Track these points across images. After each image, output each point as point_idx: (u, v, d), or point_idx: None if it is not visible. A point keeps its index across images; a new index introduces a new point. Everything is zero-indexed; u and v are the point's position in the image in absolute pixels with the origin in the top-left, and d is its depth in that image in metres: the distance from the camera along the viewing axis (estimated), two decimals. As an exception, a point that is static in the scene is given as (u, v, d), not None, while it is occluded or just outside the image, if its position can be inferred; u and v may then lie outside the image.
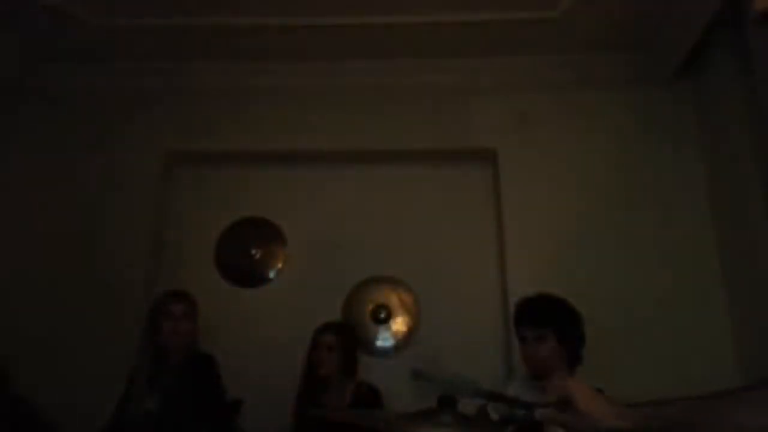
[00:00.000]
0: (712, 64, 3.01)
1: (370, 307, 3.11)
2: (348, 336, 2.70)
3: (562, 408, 0.98)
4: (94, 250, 3.07)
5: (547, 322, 2.14)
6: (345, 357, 2.61)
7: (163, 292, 2.71)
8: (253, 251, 3.24)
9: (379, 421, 1.21)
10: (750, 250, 2.72)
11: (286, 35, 3.09)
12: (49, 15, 2.93)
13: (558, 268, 2.87)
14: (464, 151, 3.28)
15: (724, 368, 2.70)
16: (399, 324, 3.10)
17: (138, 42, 3.17)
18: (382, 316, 3.10)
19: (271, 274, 3.22)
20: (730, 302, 2.84)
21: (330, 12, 2.93)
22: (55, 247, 3.07)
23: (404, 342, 3.08)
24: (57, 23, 2.99)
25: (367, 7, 2.90)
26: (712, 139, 3.05)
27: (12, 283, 2.99)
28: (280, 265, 3.23)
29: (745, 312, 2.75)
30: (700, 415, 0.87)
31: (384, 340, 3.10)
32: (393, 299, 3.12)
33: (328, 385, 2.59)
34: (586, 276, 2.86)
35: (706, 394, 0.89)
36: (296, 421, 2.61)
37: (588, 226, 3.00)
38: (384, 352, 3.08)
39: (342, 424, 1.26)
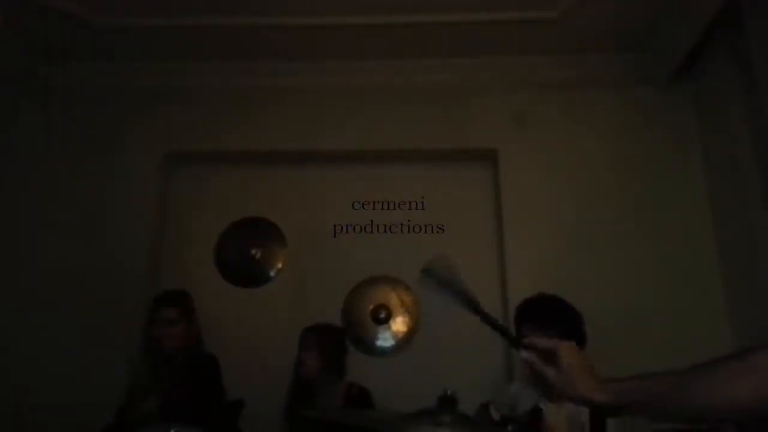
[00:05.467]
0: (712, 64, 3.01)
1: (370, 307, 3.11)
2: (331, 337, 2.66)
3: (546, 359, 0.97)
4: (94, 250, 3.07)
5: (552, 324, 2.14)
6: (328, 358, 2.58)
7: (156, 295, 2.69)
8: (253, 251, 3.24)
9: (378, 421, 1.21)
10: (750, 249, 2.72)
11: (286, 35, 3.09)
12: (50, 15, 2.93)
13: (558, 268, 2.87)
14: (464, 151, 3.28)
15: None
16: (399, 324, 3.10)
17: (138, 42, 3.17)
18: (382, 316, 3.10)
19: (271, 274, 3.22)
20: (730, 302, 2.84)
21: (330, 12, 2.93)
22: (54, 246, 3.07)
23: (404, 342, 3.09)
24: (58, 23, 3.00)
25: (368, 7, 2.90)
26: (712, 139, 3.05)
27: (12, 283, 2.99)
28: (280, 265, 3.23)
29: (745, 312, 2.75)
30: (672, 390, 0.87)
31: (384, 340, 3.10)
32: (393, 299, 3.12)
33: (315, 386, 2.56)
34: (586, 276, 2.86)
35: (680, 370, 0.88)
36: (288, 421, 2.60)
37: (588, 226, 3.00)
38: (384, 352, 3.08)
39: (336, 424, 1.26)
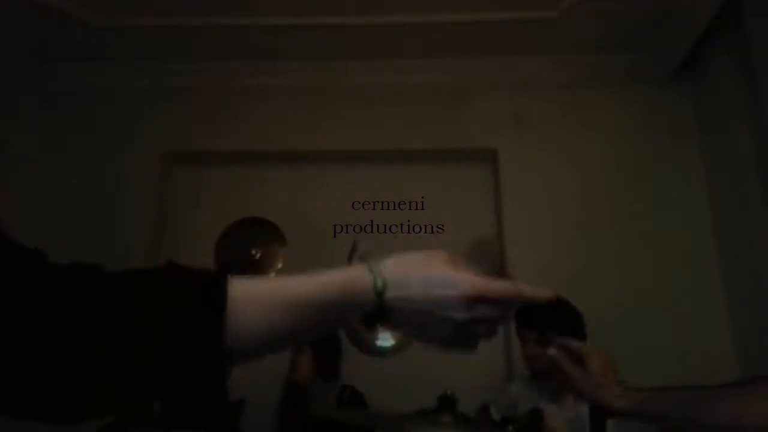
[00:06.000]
0: (712, 64, 3.01)
1: (370, 307, 3.11)
2: (326, 341, 2.62)
3: (574, 361, 1.00)
4: (94, 250, 3.05)
5: (549, 324, 2.14)
6: (322, 362, 2.54)
7: None
8: (253, 251, 3.24)
9: (379, 421, 1.22)
10: (750, 249, 2.72)
11: (285, 35, 3.09)
12: (49, 15, 2.93)
13: (558, 268, 2.87)
14: (464, 151, 3.28)
15: (724, 368, 2.70)
16: (399, 324, 3.10)
17: (138, 42, 3.17)
18: (382, 316, 3.09)
19: (271, 274, 3.22)
20: (730, 302, 2.84)
21: (330, 12, 2.93)
22: (54, 247, 3.06)
23: (404, 342, 3.08)
24: (57, 23, 3.00)
25: (368, 7, 2.90)
26: (712, 139, 3.05)
27: (12, 283, 2.99)
28: (280, 265, 3.23)
29: (745, 311, 2.75)
30: (698, 404, 0.89)
31: (384, 340, 3.09)
32: (393, 299, 3.12)
33: (307, 390, 2.53)
34: (585, 275, 2.86)
35: (705, 385, 0.91)
36: (280, 423, 2.57)
37: (588, 226, 3.00)
38: (384, 352, 3.07)
39: (336, 424, 1.26)
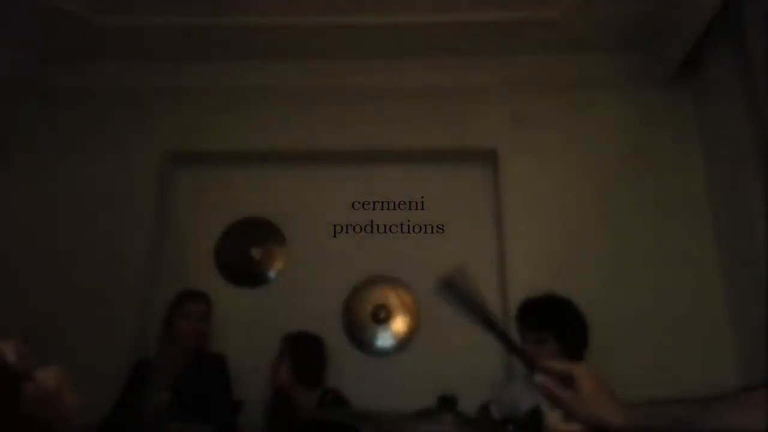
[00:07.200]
0: (712, 64, 3.01)
1: (370, 307, 3.11)
2: (306, 347, 2.62)
3: (563, 383, 0.97)
4: (94, 249, 3.07)
5: (546, 325, 2.14)
6: (302, 368, 2.54)
7: (182, 291, 2.70)
8: (253, 251, 3.24)
9: (378, 421, 1.21)
10: (750, 249, 2.71)
11: (286, 35, 3.09)
12: (49, 15, 2.93)
13: (558, 268, 2.87)
14: (464, 151, 3.28)
15: (724, 368, 2.70)
16: (399, 324, 3.10)
17: (138, 42, 3.17)
18: (382, 316, 3.10)
19: (271, 274, 3.22)
20: (730, 302, 2.84)
21: (330, 12, 2.93)
22: (54, 246, 3.07)
23: (404, 342, 3.09)
24: (57, 23, 3.00)
25: (368, 7, 2.90)
26: (712, 138, 3.05)
27: (10, 283, 2.99)
28: (280, 265, 3.23)
29: (745, 312, 2.75)
30: (695, 417, 0.88)
31: (384, 340, 3.10)
32: (393, 299, 3.12)
33: (288, 394, 2.53)
34: (586, 276, 2.86)
35: (701, 396, 0.89)
36: (268, 427, 2.57)
37: (588, 226, 3.00)
38: (384, 352, 3.08)
39: (334, 424, 1.26)
